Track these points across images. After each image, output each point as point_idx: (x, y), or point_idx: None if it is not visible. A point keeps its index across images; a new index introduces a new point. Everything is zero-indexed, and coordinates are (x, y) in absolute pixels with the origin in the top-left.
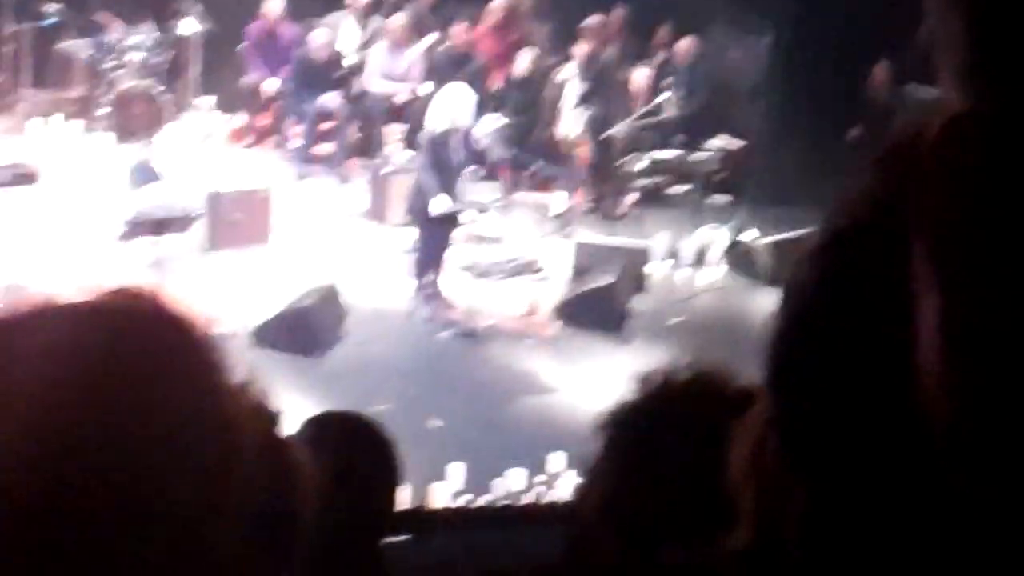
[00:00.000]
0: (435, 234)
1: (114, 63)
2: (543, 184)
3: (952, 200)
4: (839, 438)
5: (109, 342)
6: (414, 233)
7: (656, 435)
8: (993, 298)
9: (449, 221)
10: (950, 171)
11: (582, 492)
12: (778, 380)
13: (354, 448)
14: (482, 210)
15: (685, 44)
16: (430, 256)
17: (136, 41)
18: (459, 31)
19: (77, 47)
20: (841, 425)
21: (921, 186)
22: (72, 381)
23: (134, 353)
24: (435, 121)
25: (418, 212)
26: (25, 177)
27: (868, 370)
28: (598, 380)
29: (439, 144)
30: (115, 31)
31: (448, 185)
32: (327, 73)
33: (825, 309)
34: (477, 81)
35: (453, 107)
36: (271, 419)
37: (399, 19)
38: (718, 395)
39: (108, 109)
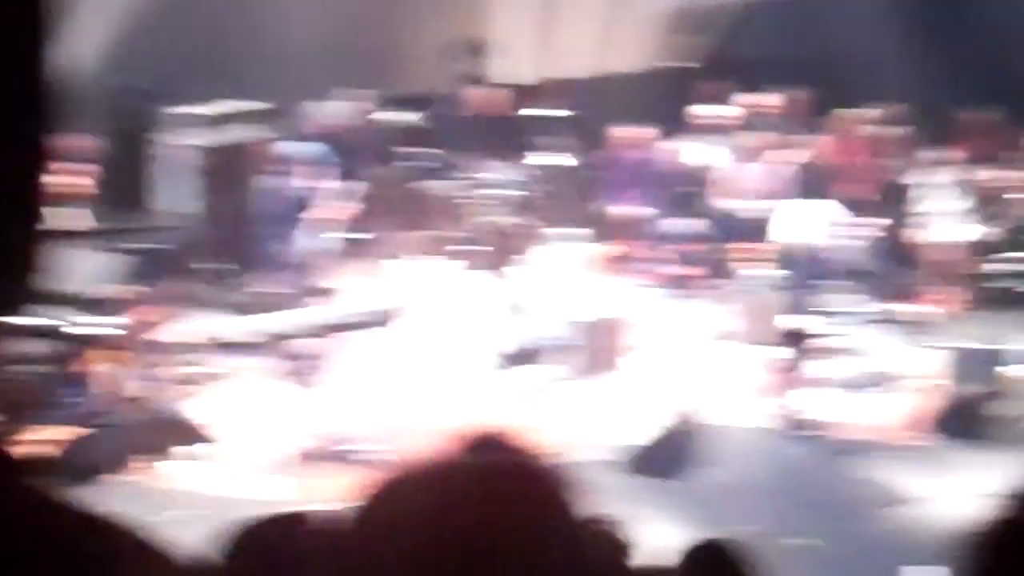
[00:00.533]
0: (794, 349)
1: (478, 199)
2: (909, 293)
3: None
4: None
5: (483, 498)
6: (777, 352)
7: None
8: None
9: (810, 336)
10: None
11: None
12: None
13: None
14: (846, 322)
15: None
16: (789, 371)
17: (498, 176)
18: (822, 144)
19: (439, 185)
20: None
21: None
22: (455, 531)
23: (504, 507)
24: (794, 236)
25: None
26: (394, 316)
27: None
28: (970, 492)
29: (796, 259)
30: (476, 168)
31: (806, 299)
32: (689, 189)
33: None
34: (840, 193)
35: (813, 222)
36: (624, 552)
37: (761, 137)
38: None
39: (473, 245)
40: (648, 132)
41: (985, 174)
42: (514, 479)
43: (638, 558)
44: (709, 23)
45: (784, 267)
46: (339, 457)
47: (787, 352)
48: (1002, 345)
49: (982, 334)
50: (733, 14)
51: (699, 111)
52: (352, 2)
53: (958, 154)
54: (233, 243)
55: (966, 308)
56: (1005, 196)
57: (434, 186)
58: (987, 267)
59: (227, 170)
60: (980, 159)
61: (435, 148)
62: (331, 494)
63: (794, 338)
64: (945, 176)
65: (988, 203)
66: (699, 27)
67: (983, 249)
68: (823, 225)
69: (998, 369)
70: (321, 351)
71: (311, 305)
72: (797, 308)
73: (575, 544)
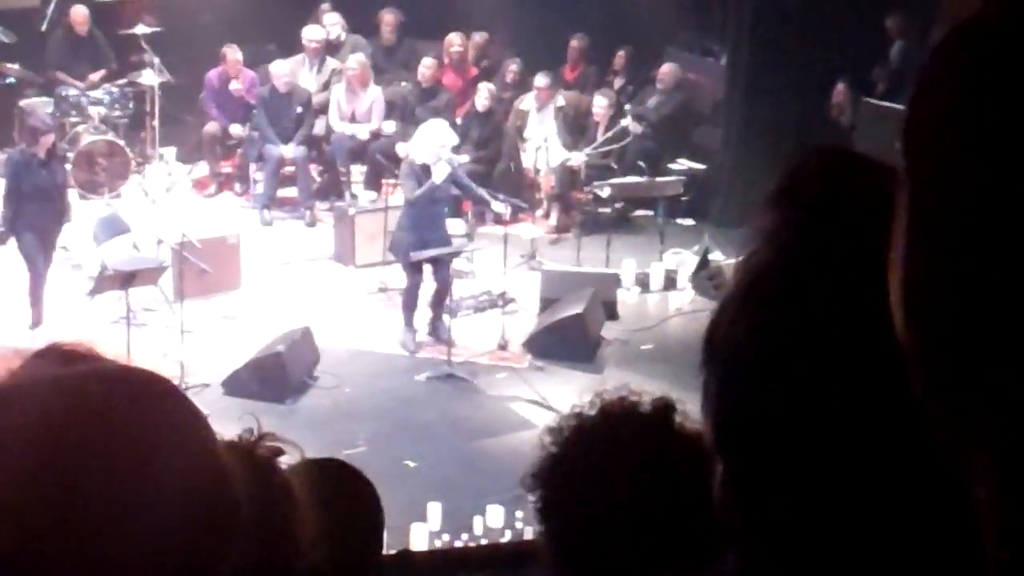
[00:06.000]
0: (419, 271)
1: (76, 117)
2: (513, 215)
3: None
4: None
5: (88, 409)
6: (399, 272)
7: (612, 467)
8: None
9: (433, 259)
10: (946, 84)
11: (548, 528)
12: (725, 439)
13: (336, 494)
14: (460, 252)
15: (668, 68)
16: (416, 293)
17: (97, 95)
18: (426, 68)
19: (39, 104)
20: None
21: (915, 107)
22: (56, 453)
23: (117, 418)
24: (419, 155)
25: (402, 251)
26: None
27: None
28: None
29: (421, 177)
30: (75, 87)
31: (433, 219)
32: (290, 107)
33: (763, 361)
34: (444, 117)
35: (436, 141)
36: (266, 470)
37: (356, 59)
38: (668, 424)
39: (71, 165)
40: (241, 54)
41: (576, 98)
42: (126, 385)
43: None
44: None
45: (408, 185)
46: None
47: (406, 273)
48: (605, 268)
49: (583, 257)
50: None
51: (304, 32)
52: None
53: (561, 79)
54: None
55: (571, 231)
56: (595, 120)
57: (32, 103)
58: (589, 191)
59: None
60: (575, 84)
61: (30, 64)
62: None
63: (414, 264)
64: (548, 100)
65: (580, 127)
66: None
67: (582, 174)
68: (445, 146)
69: (601, 290)
70: None
71: None
72: (419, 229)
73: (213, 459)
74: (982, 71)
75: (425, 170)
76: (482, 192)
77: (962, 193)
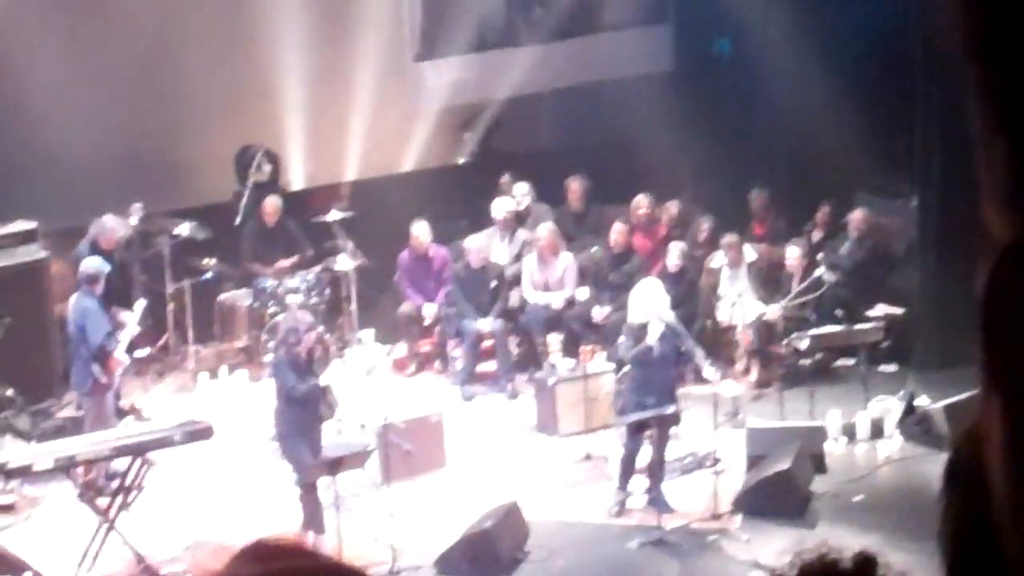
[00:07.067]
0: (638, 435)
1: (274, 308)
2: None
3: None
4: None
5: None
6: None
7: None
8: None
9: (648, 425)
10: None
11: None
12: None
13: None
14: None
15: (860, 215)
16: (633, 458)
17: (294, 284)
18: (617, 232)
19: (237, 297)
20: None
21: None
22: None
23: None
24: (634, 315)
25: (617, 412)
26: (200, 433)
27: None
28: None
29: (639, 336)
30: (271, 277)
31: (651, 381)
32: (485, 281)
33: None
34: (638, 280)
35: (646, 301)
36: None
37: (546, 228)
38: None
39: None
40: (430, 231)
41: (768, 251)
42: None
43: None
44: (477, 118)
45: (627, 348)
46: None
47: (624, 439)
48: (809, 420)
49: (786, 411)
50: (502, 108)
51: (494, 205)
52: (124, 114)
53: (750, 234)
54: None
55: (772, 386)
56: (788, 272)
57: (231, 296)
58: (788, 344)
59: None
60: (765, 238)
61: (226, 258)
62: None
63: (635, 427)
64: (739, 258)
65: (773, 280)
66: (467, 123)
67: (779, 327)
68: (661, 305)
69: (808, 444)
70: (127, 471)
71: (117, 425)
72: (637, 391)
73: None
74: None
75: (643, 329)
76: (700, 356)
77: None
